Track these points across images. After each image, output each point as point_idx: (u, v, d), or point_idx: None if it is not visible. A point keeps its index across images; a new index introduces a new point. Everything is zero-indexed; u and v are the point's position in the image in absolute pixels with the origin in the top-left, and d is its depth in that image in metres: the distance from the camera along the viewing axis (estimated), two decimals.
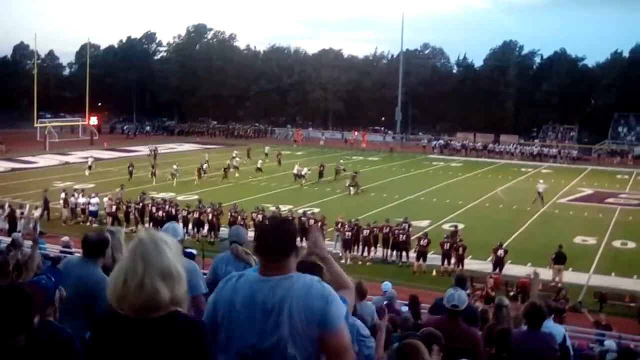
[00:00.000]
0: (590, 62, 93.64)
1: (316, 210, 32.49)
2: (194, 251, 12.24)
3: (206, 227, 28.63)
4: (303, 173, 43.89)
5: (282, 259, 3.32)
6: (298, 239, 3.47)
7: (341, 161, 49.89)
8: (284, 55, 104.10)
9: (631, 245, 29.21)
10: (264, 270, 3.33)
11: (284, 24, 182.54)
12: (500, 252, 23.50)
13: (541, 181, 42.18)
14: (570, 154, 69.44)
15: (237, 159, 49.83)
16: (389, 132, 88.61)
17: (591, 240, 29.58)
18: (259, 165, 47.47)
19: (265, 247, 3.36)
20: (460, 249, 24.24)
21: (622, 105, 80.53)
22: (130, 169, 43.55)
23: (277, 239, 3.36)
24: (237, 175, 45.14)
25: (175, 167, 43.27)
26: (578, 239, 29.44)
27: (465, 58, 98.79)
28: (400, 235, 25.76)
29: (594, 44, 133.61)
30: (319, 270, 3.89)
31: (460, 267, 23.62)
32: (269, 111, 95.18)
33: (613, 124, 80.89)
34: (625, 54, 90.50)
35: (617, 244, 29.49)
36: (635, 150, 73.07)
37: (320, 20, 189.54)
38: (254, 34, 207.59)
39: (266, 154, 56.86)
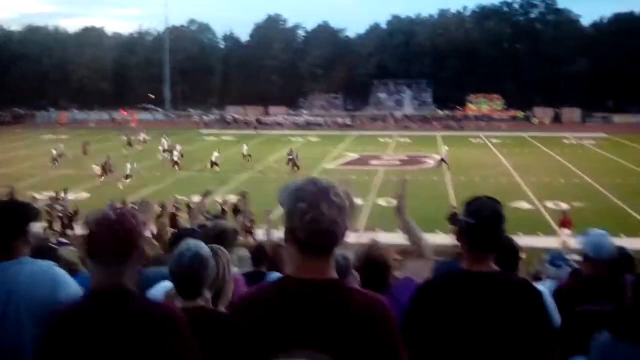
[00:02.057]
0: (351, 33, 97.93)
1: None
2: None
3: None
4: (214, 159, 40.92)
5: (6, 242, 3.06)
6: (31, 222, 3.21)
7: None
8: (42, 35, 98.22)
9: (395, 202, 30.89)
10: None
11: (38, 2, 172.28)
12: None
13: (446, 148, 44.19)
14: (336, 121, 72.33)
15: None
16: (159, 109, 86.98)
17: (359, 201, 30.89)
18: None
19: None
20: (248, 222, 24.10)
21: (381, 73, 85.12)
22: None
23: (2, 222, 3.08)
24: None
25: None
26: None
27: (231, 33, 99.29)
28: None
29: (354, 16, 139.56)
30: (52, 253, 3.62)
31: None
32: (29, 95, 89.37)
33: (374, 91, 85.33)
34: (383, 25, 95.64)
35: (382, 202, 31.10)
36: (395, 114, 77.59)
37: None
38: (5, 13, 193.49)
39: (144, 141, 52.68)
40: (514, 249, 4.36)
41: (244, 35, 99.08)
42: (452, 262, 4.94)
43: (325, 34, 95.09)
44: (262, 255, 8.34)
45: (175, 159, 41.72)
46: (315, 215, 2.36)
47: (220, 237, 4.74)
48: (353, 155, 46.62)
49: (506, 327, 2.95)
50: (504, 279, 3.11)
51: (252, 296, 2.55)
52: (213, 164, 40.26)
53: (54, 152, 42.44)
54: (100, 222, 2.60)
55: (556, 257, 5.78)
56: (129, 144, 50.14)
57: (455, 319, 2.95)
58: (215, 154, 41.30)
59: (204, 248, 3.48)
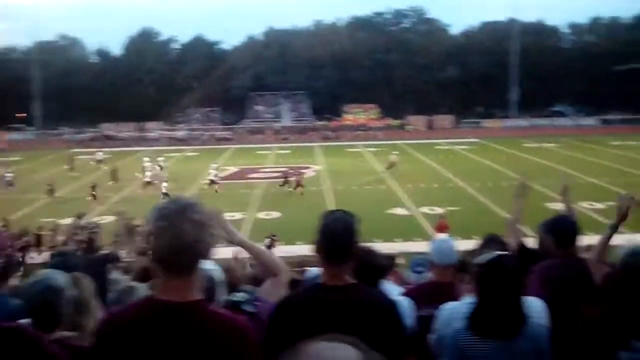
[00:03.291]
0: (226, 45, 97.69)
1: None
2: None
3: None
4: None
5: None
6: None
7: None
8: None
9: (275, 214, 31.01)
10: None
11: None
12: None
13: (396, 152, 45.13)
14: (214, 135, 71.93)
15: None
16: (29, 128, 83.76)
17: (238, 215, 30.68)
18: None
19: None
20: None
21: (258, 85, 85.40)
22: None
23: None
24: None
25: None
26: (226, 216, 30.23)
27: (103, 47, 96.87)
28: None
29: (229, 28, 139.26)
30: None
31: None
32: None
33: (251, 104, 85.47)
34: (259, 37, 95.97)
35: (262, 215, 31.11)
36: (274, 126, 77.92)
37: None
38: None
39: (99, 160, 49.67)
40: (374, 264, 4.44)
41: (117, 49, 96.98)
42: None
43: (200, 46, 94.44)
44: (144, 276, 8.04)
45: (148, 179, 39.04)
46: (174, 233, 2.37)
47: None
48: (232, 169, 46.37)
49: (360, 338, 2.99)
50: (357, 292, 3.18)
51: (113, 319, 2.52)
52: (212, 182, 38.19)
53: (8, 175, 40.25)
54: None
55: (417, 264, 5.91)
56: (71, 166, 47.52)
57: (310, 334, 2.97)
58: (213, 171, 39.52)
59: (56, 278, 3.34)
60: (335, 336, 2.05)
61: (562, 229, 4.85)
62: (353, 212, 3.39)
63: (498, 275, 3.39)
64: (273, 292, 3.83)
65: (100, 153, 51.90)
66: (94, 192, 34.96)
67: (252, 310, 3.94)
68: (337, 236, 3.17)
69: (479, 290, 3.44)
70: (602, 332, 3.35)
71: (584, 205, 29.46)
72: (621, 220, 4.66)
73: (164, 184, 35.72)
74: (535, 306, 3.88)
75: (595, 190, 34.16)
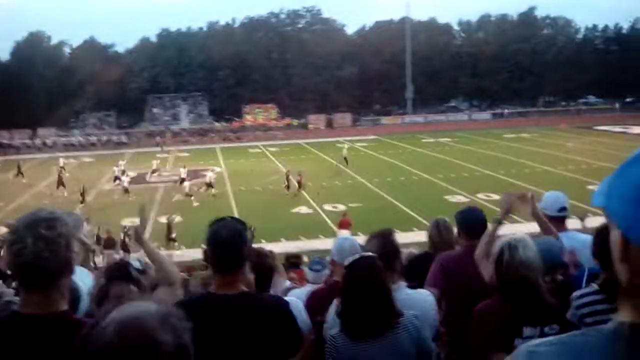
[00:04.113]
0: (120, 48, 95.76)
1: None
2: None
3: None
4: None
5: None
6: None
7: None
8: None
9: (177, 219, 30.44)
10: None
11: None
12: None
13: (346, 147, 46.20)
14: (110, 139, 70.26)
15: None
16: None
17: (138, 221, 29.91)
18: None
19: None
20: None
21: (154, 88, 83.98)
22: None
23: None
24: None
25: None
26: (127, 222, 29.56)
27: None
28: None
29: (122, 31, 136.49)
30: None
31: None
32: None
33: (148, 106, 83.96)
34: (153, 38, 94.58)
35: (163, 220, 30.48)
36: (172, 129, 76.71)
37: None
38: None
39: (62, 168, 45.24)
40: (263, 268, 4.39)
41: (3, 54, 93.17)
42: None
43: (93, 50, 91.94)
44: None
45: (126, 185, 37.71)
46: (18, 248, 2.30)
47: None
48: (130, 174, 45.26)
49: (251, 346, 3.01)
50: (246, 300, 3.16)
51: None
52: (208, 185, 36.78)
53: None
54: None
55: (315, 262, 5.85)
56: (19, 173, 44.95)
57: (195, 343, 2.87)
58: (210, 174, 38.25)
59: None
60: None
61: (465, 220, 4.89)
62: (245, 217, 3.38)
63: (358, 276, 3.41)
64: (167, 299, 3.67)
65: (62, 159, 48.92)
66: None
67: (141, 267, 3.86)
68: (225, 244, 3.13)
69: (343, 292, 3.47)
70: (496, 325, 3.38)
71: (481, 196, 30.32)
72: (505, 214, 4.73)
73: (186, 184, 35.03)
74: (417, 299, 3.92)
75: (492, 182, 35.24)
